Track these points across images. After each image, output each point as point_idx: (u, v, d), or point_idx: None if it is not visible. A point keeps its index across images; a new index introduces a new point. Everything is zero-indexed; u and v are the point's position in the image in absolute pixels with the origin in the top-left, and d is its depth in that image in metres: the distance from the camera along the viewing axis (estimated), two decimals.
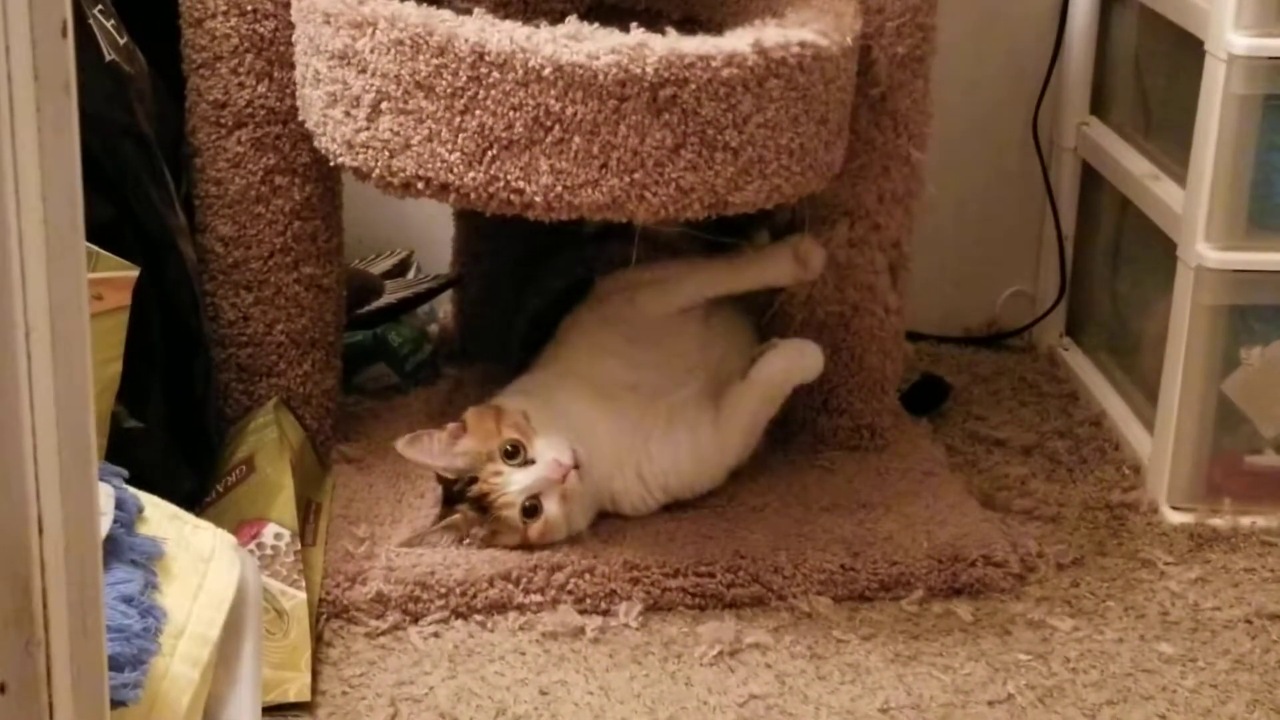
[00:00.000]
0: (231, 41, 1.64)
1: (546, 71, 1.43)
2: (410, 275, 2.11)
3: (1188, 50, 1.74)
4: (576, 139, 1.45)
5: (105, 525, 1.09)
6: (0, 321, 0.68)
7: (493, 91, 1.45)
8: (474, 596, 1.55)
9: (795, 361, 1.70)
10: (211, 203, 1.69)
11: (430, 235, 2.10)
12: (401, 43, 1.46)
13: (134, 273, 1.46)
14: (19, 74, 0.68)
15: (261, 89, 1.65)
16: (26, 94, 0.68)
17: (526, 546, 1.58)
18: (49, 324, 0.71)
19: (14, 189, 0.67)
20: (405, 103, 1.47)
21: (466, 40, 1.44)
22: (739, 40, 1.48)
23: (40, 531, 0.71)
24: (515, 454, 1.56)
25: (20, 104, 0.68)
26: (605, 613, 1.56)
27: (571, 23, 1.47)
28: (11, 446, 0.69)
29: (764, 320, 1.80)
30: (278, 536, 1.52)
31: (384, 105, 1.49)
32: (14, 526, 0.70)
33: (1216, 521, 1.75)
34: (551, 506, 1.57)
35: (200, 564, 1.17)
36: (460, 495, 1.59)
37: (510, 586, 1.56)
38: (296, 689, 1.42)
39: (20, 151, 0.68)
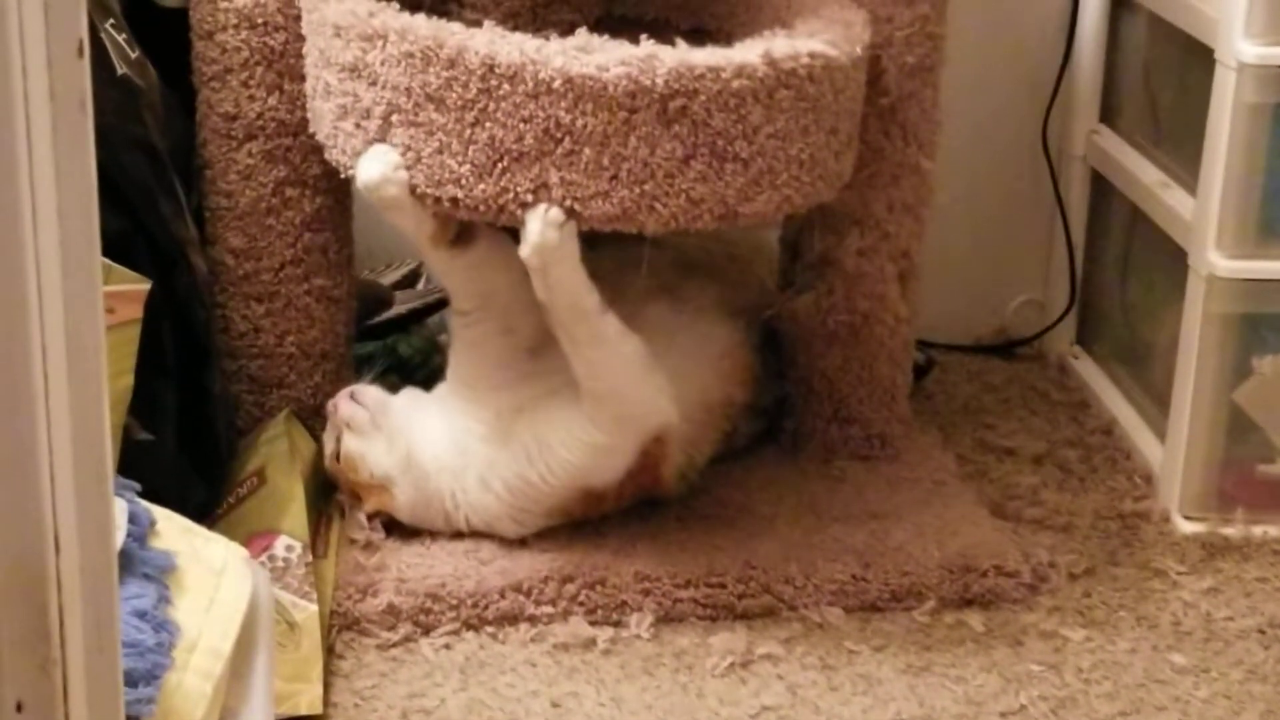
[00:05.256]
0: (242, 54, 1.64)
1: (557, 83, 1.43)
2: (420, 286, 2.11)
3: (1198, 58, 1.74)
4: (587, 151, 1.45)
5: (118, 539, 1.09)
6: (17, 341, 0.68)
7: (503, 104, 1.45)
8: (485, 608, 1.55)
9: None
10: (222, 215, 1.69)
11: None
12: (412, 55, 1.46)
13: (145, 285, 1.46)
14: (35, 93, 0.68)
15: (272, 101, 1.66)
16: (43, 113, 0.68)
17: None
18: (65, 343, 0.71)
19: (31, 208, 0.68)
20: (416, 115, 1.48)
21: (477, 53, 1.44)
22: (749, 51, 1.48)
23: (56, 550, 0.71)
24: None
25: (37, 123, 0.68)
26: (617, 624, 1.56)
27: (581, 34, 1.48)
28: (29, 466, 0.69)
29: (763, 320, 1.80)
30: (289, 548, 1.52)
31: (394, 118, 1.49)
32: (31, 545, 0.70)
33: (1228, 531, 1.75)
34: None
35: (212, 577, 1.17)
36: None
37: (521, 598, 1.56)
38: (308, 701, 1.42)
39: (37, 171, 0.68)
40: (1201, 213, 1.72)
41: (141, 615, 1.06)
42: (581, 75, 1.43)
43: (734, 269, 1.84)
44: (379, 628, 1.54)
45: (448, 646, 1.53)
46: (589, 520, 1.64)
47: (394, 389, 1.71)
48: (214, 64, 1.65)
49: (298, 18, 1.62)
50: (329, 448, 1.65)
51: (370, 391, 1.66)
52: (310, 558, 1.52)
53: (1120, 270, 2.07)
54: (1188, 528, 1.76)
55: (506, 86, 1.44)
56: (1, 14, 0.66)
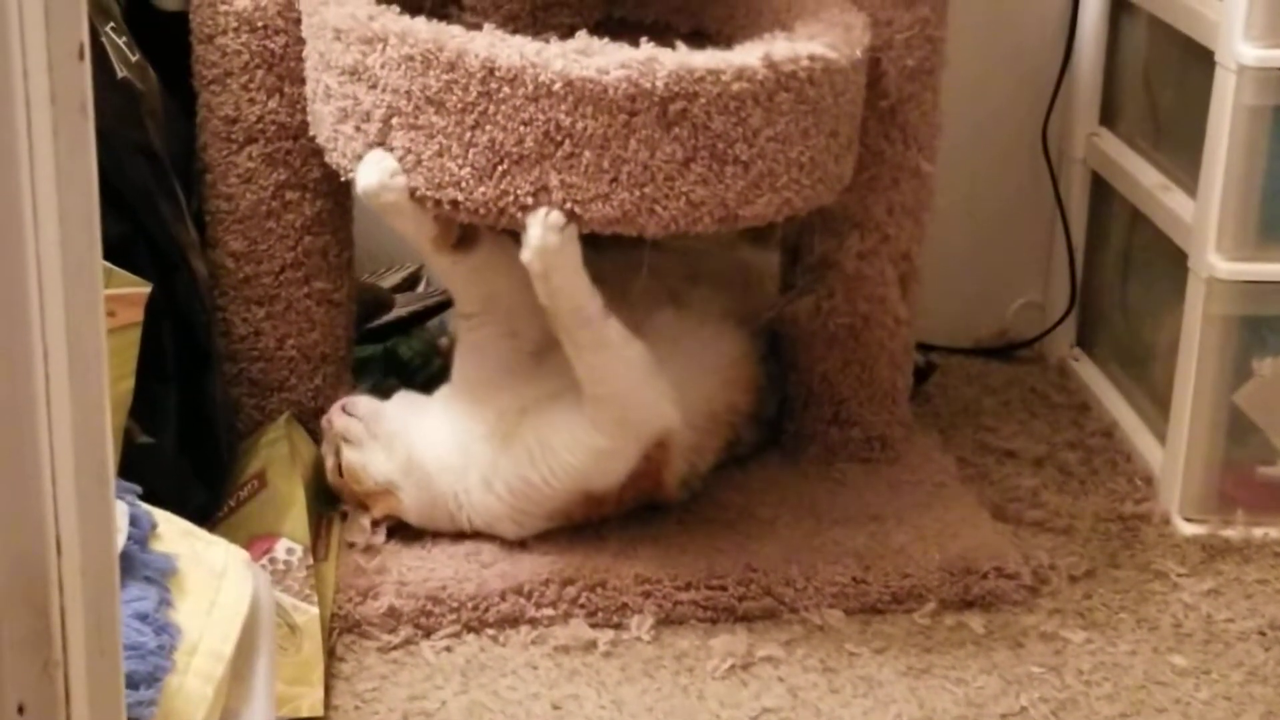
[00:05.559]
0: (242, 58, 1.64)
1: (557, 86, 1.43)
2: (420, 289, 2.11)
3: (1197, 61, 1.74)
4: (587, 153, 1.45)
5: (119, 542, 1.09)
6: (19, 345, 0.68)
7: (503, 106, 1.45)
8: (486, 610, 1.55)
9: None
10: (222, 218, 1.70)
11: None
12: (412, 58, 1.46)
13: (146, 289, 1.46)
14: (36, 97, 0.68)
15: (272, 105, 1.66)
16: (44, 117, 0.69)
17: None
18: (66, 347, 0.71)
19: (32, 212, 0.68)
20: (416, 118, 1.48)
21: (477, 56, 1.44)
22: (748, 54, 1.48)
23: (58, 553, 0.71)
24: None
25: (38, 127, 0.68)
26: (617, 626, 1.56)
27: (581, 37, 1.48)
28: (31, 469, 0.69)
29: (762, 323, 1.80)
30: (290, 551, 1.52)
31: (395, 121, 1.49)
32: (33, 548, 0.70)
33: (1229, 533, 1.75)
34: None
35: (213, 580, 1.17)
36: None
37: (522, 600, 1.56)
38: (309, 704, 1.42)
39: (38, 174, 0.68)
40: (1201, 215, 1.72)
41: (143, 618, 1.06)
42: (581, 78, 1.43)
43: (742, 280, 1.84)
44: (380, 630, 1.54)
45: (448, 649, 1.53)
46: (589, 523, 1.64)
47: (391, 393, 1.71)
48: (214, 67, 1.66)
49: (298, 21, 1.62)
50: (329, 463, 1.65)
51: (361, 401, 1.66)
52: (311, 561, 1.52)
53: (1120, 272, 2.08)
54: (1188, 530, 1.76)
55: (506, 89, 1.44)
56: (2, 17, 0.66)
